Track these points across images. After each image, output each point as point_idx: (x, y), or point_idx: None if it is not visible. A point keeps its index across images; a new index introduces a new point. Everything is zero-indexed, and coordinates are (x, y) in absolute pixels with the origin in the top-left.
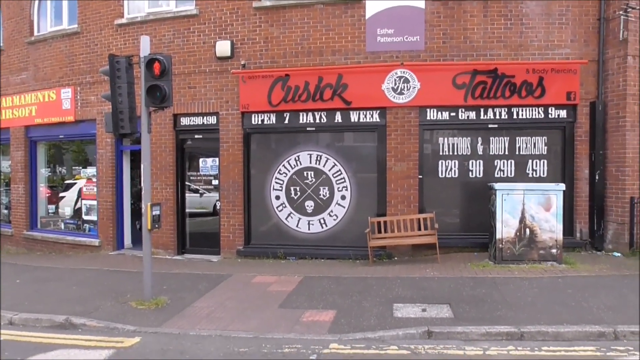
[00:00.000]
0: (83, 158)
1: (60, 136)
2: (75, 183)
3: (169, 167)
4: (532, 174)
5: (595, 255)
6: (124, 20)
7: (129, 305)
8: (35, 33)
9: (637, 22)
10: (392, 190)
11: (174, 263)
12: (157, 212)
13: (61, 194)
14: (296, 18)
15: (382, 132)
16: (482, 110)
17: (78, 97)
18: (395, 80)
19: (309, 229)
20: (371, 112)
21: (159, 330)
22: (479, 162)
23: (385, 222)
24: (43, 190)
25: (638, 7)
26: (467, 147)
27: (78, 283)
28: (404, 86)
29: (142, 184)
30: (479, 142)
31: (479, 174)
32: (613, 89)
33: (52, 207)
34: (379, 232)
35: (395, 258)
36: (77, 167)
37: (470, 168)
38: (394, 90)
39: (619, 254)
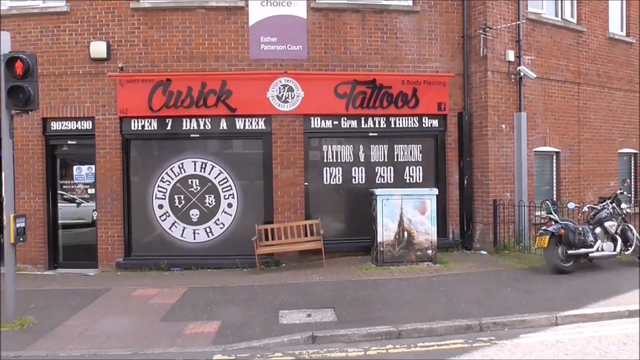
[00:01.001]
0: None
1: None
2: None
3: (37, 175)
4: (409, 179)
5: (466, 255)
6: None
7: None
8: None
9: (494, 41)
10: (278, 197)
11: (44, 279)
12: (22, 225)
13: None
14: (177, 22)
15: (268, 139)
16: (362, 119)
17: None
18: (279, 88)
19: (194, 239)
20: (257, 120)
21: (22, 353)
22: (361, 169)
23: (272, 230)
24: None
25: (495, 27)
26: (350, 155)
27: None
28: (288, 94)
29: (4, 194)
30: (361, 150)
31: (362, 180)
32: (476, 100)
33: None
34: (267, 239)
35: (283, 265)
36: None
37: (353, 175)
38: (279, 98)
39: (485, 252)
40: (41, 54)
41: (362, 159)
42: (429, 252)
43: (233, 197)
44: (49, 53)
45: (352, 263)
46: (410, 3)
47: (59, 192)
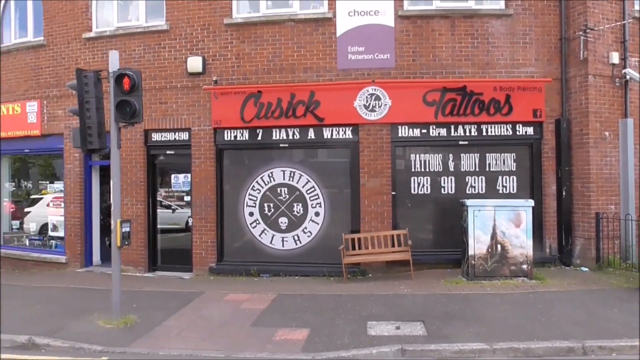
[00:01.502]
0: (50, 172)
1: (26, 150)
2: (42, 198)
3: (139, 183)
4: (502, 189)
5: (564, 271)
6: (92, 34)
7: (96, 324)
8: None
9: (596, 43)
10: (365, 206)
11: (145, 280)
12: (127, 229)
13: (26, 209)
14: (267, 35)
15: (355, 148)
16: (452, 127)
17: (44, 110)
18: (366, 97)
19: (282, 246)
20: (344, 129)
21: (127, 350)
22: (451, 179)
23: (359, 239)
24: (7, 205)
25: (596, 28)
26: (439, 164)
27: (41, 301)
28: (375, 103)
29: (112, 200)
30: (450, 159)
31: (451, 190)
32: (576, 106)
33: (16, 223)
34: (353, 248)
35: (370, 275)
36: (44, 182)
37: (442, 184)
38: (366, 107)
39: (587, 269)
40: (144, 69)
41: (451, 168)
42: (524, 266)
43: (320, 206)
44: (151, 69)
45: (441, 276)
46: (503, 6)
47: (158, 199)
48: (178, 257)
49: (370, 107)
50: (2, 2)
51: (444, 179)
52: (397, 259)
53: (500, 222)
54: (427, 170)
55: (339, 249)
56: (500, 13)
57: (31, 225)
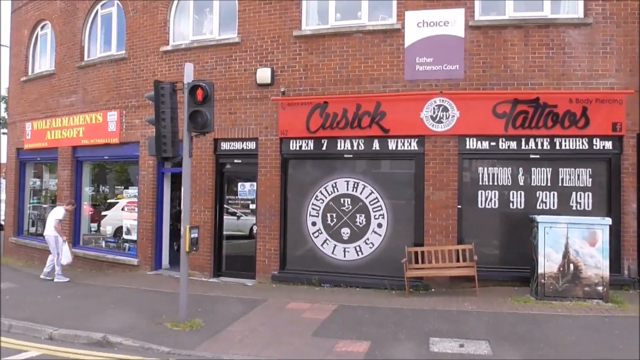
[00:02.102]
0: (125, 178)
1: (105, 157)
2: (117, 202)
3: (208, 190)
4: (577, 206)
5: None
6: (169, 47)
7: (164, 325)
8: (86, 58)
9: None
10: (430, 219)
11: (210, 285)
12: (196, 235)
13: (103, 213)
14: (335, 47)
15: (420, 160)
16: (523, 140)
17: (123, 120)
18: (434, 108)
19: (344, 256)
20: (409, 140)
21: (192, 353)
22: (520, 193)
23: (422, 252)
24: (86, 209)
25: None
26: (508, 178)
27: (115, 301)
28: (442, 115)
29: (182, 206)
30: (520, 173)
31: (520, 205)
32: None
33: (94, 225)
34: (416, 262)
35: (433, 290)
36: (119, 187)
37: (511, 199)
38: (433, 118)
39: None
40: (215, 81)
41: (521, 183)
42: (599, 288)
43: (383, 217)
44: (222, 80)
45: (508, 294)
46: (581, 15)
47: (225, 206)
48: (242, 263)
49: (437, 118)
50: (90, 18)
51: (513, 193)
52: (462, 275)
53: (574, 240)
54: (496, 184)
55: (401, 262)
56: (579, 22)
57: (107, 228)
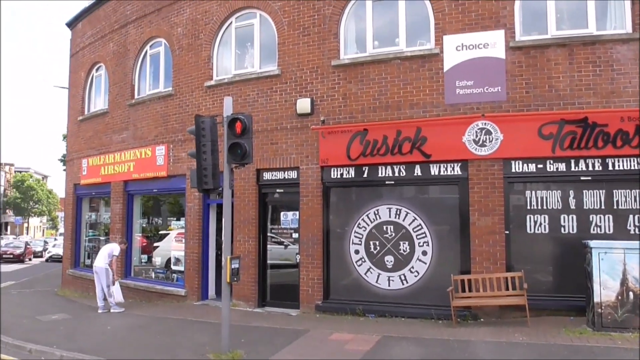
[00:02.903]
0: (177, 210)
1: (154, 190)
2: (167, 234)
3: (251, 220)
4: (635, 230)
5: None
6: (212, 82)
7: (206, 357)
8: (136, 96)
9: None
10: (476, 246)
11: (254, 315)
12: (236, 266)
13: (155, 244)
14: (374, 74)
15: (464, 185)
16: (572, 161)
17: (171, 153)
18: (476, 132)
19: (388, 285)
20: (452, 165)
21: None
22: (572, 217)
23: (469, 280)
24: (139, 240)
25: None
26: (558, 201)
27: (161, 332)
28: (485, 138)
29: (223, 237)
30: (571, 196)
31: (572, 230)
32: None
33: (144, 257)
34: (463, 290)
35: (481, 319)
36: (171, 218)
37: (562, 223)
38: (476, 142)
39: None
40: (256, 112)
41: (572, 206)
42: None
43: (427, 245)
44: (263, 112)
45: (562, 324)
46: (630, 30)
47: (269, 235)
48: (286, 292)
49: (481, 141)
50: (140, 58)
51: (564, 217)
52: (512, 304)
53: (632, 267)
54: (545, 207)
55: (447, 291)
56: (627, 37)
57: (158, 259)
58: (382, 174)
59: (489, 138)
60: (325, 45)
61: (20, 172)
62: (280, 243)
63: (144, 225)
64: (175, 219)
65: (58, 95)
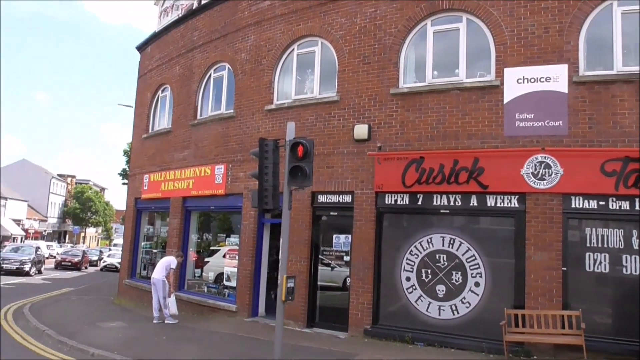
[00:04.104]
0: (227, 227)
1: (211, 207)
2: (219, 250)
3: (304, 241)
4: None
5: None
6: (272, 106)
7: None
8: (198, 117)
9: None
10: (531, 281)
11: (302, 335)
12: (292, 285)
13: (206, 259)
14: (432, 103)
15: (521, 218)
16: (637, 200)
17: (229, 173)
18: (535, 165)
19: (439, 315)
20: (509, 197)
21: None
22: (635, 258)
23: (523, 316)
24: (192, 255)
25: None
26: (620, 240)
27: (214, 345)
28: (545, 172)
29: (280, 256)
30: (635, 235)
31: (635, 271)
32: None
33: (197, 271)
34: (516, 325)
35: (534, 357)
36: (221, 235)
37: (624, 263)
38: (534, 175)
39: None
40: (314, 136)
41: (636, 246)
42: None
43: (481, 276)
44: (321, 136)
45: None
46: None
47: (320, 256)
48: (335, 315)
49: (539, 175)
50: (204, 81)
51: (626, 257)
52: (568, 343)
53: None
54: (606, 246)
55: (500, 324)
56: None
57: (209, 274)
58: (437, 202)
59: (549, 172)
60: (385, 74)
61: (81, 183)
62: (327, 265)
63: (197, 241)
64: (225, 235)
65: (120, 113)
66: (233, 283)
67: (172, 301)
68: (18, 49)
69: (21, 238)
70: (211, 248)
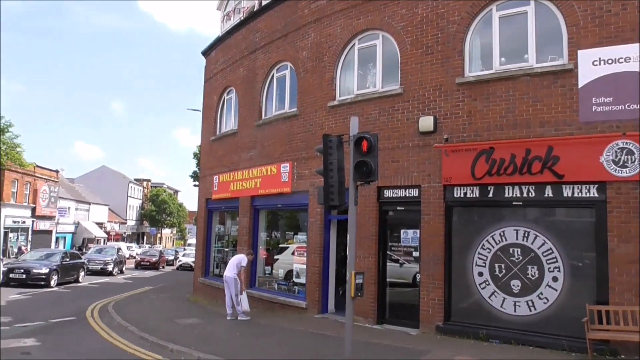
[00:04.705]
0: (295, 224)
1: (278, 205)
2: (287, 247)
3: (371, 237)
4: None
5: None
6: (335, 102)
7: None
8: (263, 117)
9: None
10: (615, 275)
11: (372, 332)
12: (360, 281)
13: (275, 257)
14: (500, 91)
15: (601, 208)
16: None
17: (295, 171)
18: (616, 151)
19: (514, 311)
20: (587, 187)
21: None
22: None
23: (607, 312)
24: (262, 252)
25: None
26: None
27: (285, 341)
28: (627, 158)
29: (347, 252)
30: None
31: None
32: None
33: (267, 268)
34: (600, 322)
35: (622, 356)
36: (289, 233)
37: None
38: (615, 162)
39: None
40: (378, 131)
41: None
42: None
43: (559, 271)
44: (385, 130)
45: None
46: None
47: (387, 252)
48: (405, 311)
49: (621, 162)
50: (267, 81)
51: None
52: None
53: None
54: None
55: (582, 321)
56: None
57: (279, 271)
58: (508, 194)
59: (631, 158)
60: (449, 63)
61: (156, 187)
62: (396, 261)
63: (266, 239)
64: (294, 233)
65: (190, 118)
66: (302, 280)
67: (244, 298)
68: (94, 63)
69: (104, 240)
70: (280, 245)
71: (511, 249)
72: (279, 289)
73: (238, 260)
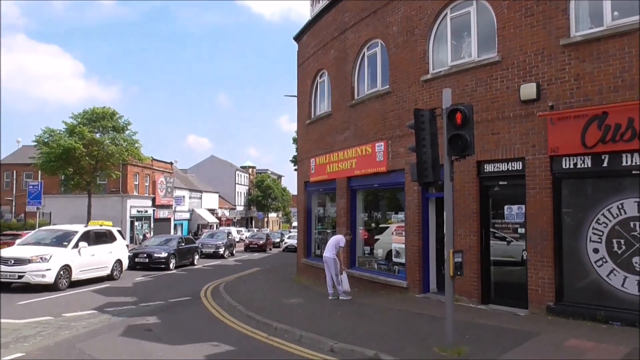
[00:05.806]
0: (394, 204)
1: (375, 185)
2: (387, 227)
3: (472, 214)
4: None
5: None
6: (428, 76)
7: (431, 350)
8: (355, 97)
9: None
10: None
11: (477, 312)
12: (459, 260)
13: (375, 237)
14: (613, 50)
15: None
16: None
17: (389, 149)
18: None
19: (638, 291)
20: None
21: None
22: None
23: None
24: (361, 233)
25: None
26: None
27: (386, 321)
28: None
29: (445, 230)
30: None
31: None
32: None
33: (367, 248)
34: None
35: None
36: (389, 213)
37: None
38: None
39: None
40: (476, 102)
41: None
42: None
43: None
44: (482, 101)
45: None
46: None
47: (491, 230)
48: (512, 291)
49: None
50: (358, 61)
51: None
52: None
53: None
54: None
55: None
56: None
57: (379, 251)
58: (626, 162)
59: None
60: (552, 24)
61: (260, 173)
62: (503, 239)
63: (365, 219)
64: (393, 212)
65: (288, 104)
66: (402, 259)
67: (344, 278)
68: (201, 60)
69: (216, 225)
70: (380, 225)
71: (632, 223)
72: (379, 269)
73: (336, 241)
